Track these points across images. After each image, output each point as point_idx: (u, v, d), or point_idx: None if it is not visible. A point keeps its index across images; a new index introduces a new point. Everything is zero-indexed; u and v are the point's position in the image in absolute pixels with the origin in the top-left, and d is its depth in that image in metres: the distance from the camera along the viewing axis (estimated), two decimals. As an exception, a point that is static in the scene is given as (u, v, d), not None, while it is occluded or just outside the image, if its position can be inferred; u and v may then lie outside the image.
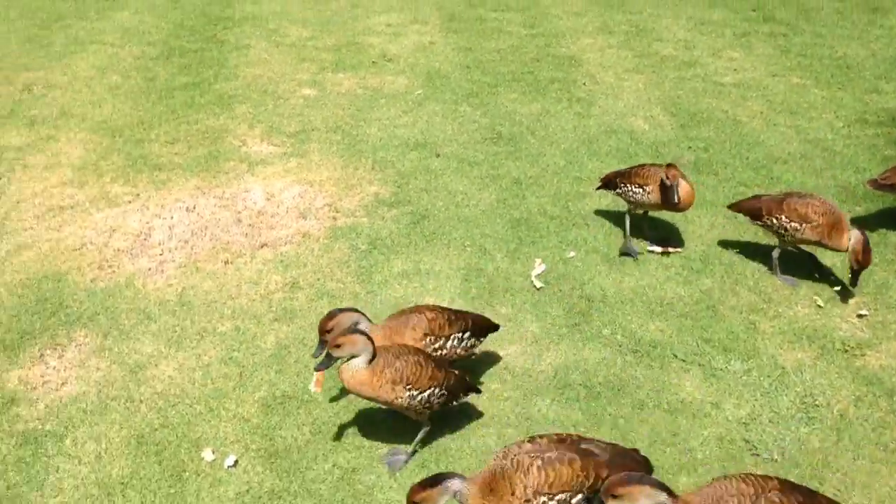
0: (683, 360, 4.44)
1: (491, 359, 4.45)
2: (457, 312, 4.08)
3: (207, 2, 9.52)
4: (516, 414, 4.12)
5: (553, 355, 4.47)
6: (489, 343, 4.39)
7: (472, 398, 4.05)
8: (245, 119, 6.97)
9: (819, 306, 4.78)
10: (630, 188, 5.11)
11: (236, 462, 3.86)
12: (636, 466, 3.25)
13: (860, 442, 3.95)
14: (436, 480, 3.11)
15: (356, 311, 3.86)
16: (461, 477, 3.15)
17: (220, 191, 5.99)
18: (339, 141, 6.65)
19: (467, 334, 4.03)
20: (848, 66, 7.89)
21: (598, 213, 5.69)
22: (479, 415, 4.11)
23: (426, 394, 3.68)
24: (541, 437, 3.31)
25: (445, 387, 3.73)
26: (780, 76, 7.71)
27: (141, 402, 4.22)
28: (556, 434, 3.33)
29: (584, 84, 7.58)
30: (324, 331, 3.76)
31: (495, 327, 4.24)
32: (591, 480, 3.18)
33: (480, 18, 9.18)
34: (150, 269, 5.18)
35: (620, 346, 4.55)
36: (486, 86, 7.56)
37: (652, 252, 5.25)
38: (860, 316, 4.71)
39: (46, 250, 5.35)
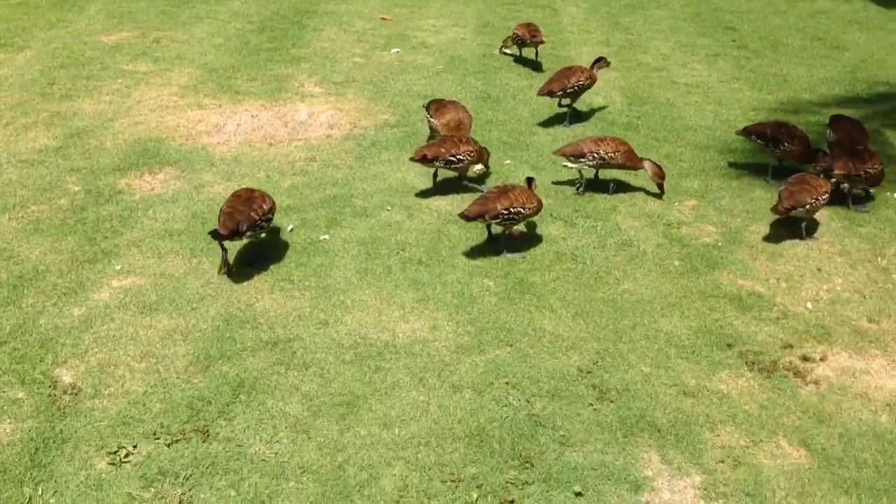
0: (556, 218, 6.55)
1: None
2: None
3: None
4: (432, 233, 6.31)
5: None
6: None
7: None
8: (306, 72, 9.43)
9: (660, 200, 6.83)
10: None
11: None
12: None
13: (650, 263, 5.98)
14: None
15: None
16: None
17: (277, 109, 8.41)
18: (371, 90, 9.01)
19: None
20: (786, 80, 9.85)
21: (533, 143, 7.85)
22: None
23: None
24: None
25: None
26: (726, 82, 9.73)
27: (199, 201, 6.58)
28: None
29: (569, 74, 9.76)
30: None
31: None
32: None
33: (508, 28, 11.46)
34: (218, 143, 7.61)
35: (517, 208, 6.70)
36: (492, 68, 9.84)
37: (566, 166, 7.38)
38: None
39: (153, 126, 7.85)
